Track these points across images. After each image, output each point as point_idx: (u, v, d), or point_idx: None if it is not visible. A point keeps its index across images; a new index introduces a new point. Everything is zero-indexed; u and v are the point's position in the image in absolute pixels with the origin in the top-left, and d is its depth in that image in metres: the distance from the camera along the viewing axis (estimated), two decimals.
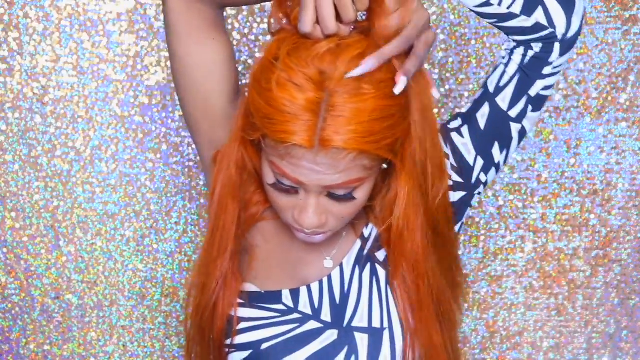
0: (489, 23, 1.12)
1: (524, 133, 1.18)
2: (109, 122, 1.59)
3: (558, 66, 1.12)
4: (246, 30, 1.56)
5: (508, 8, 1.09)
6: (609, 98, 1.63)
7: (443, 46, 1.59)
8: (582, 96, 1.63)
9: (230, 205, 1.16)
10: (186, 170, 1.63)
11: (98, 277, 1.67)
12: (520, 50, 1.12)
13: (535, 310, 1.77)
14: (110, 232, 1.65)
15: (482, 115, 1.15)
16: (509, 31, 1.12)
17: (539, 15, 1.09)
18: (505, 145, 1.17)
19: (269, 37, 1.57)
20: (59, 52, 1.55)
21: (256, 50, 1.57)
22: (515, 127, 1.16)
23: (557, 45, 1.10)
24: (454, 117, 1.19)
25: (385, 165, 1.08)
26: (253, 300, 1.17)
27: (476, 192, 1.21)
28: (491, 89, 1.15)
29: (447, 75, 1.61)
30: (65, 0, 1.54)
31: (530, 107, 1.15)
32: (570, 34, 1.10)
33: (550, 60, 1.11)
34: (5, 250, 1.64)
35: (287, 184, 1.05)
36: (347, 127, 0.96)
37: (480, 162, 1.18)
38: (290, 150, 0.99)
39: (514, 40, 1.12)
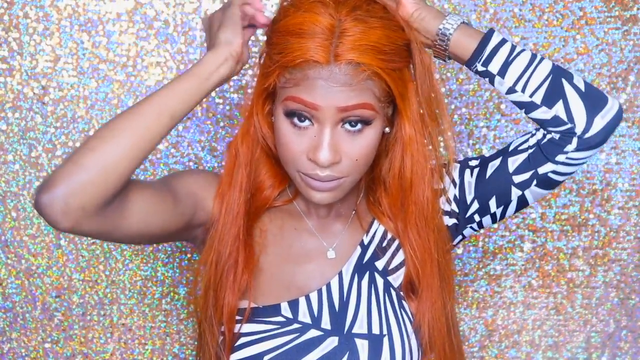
0: (524, 115, 1.17)
1: (525, 202, 1.21)
2: None
3: (574, 159, 1.14)
4: None
5: (530, 97, 1.13)
6: None
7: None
8: None
9: (240, 176, 1.20)
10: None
11: (99, 276, 1.68)
12: (542, 131, 1.16)
13: (534, 309, 1.77)
14: None
15: (492, 166, 1.20)
16: (536, 122, 1.16)
17: (559, 108, 1.12)
18: (502, 203, 1.21)
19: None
20: (59, 52, 1.55)
21: (256, 50, 1.57)
22: (515, 192, 1.19)
23: (575, 140, 1.13)
24: (476, 157, 1.24)
25: (388, 130, 1.16)
26: (252, 315, 1.18)
27: (469, 225, 1.25)
28: (511, 147, 1.19)
29: (448, 75, 1.61)
30: (65, 0, 1.54)
31: (535, 182, 1.17)
32: (590, 134, 1.12)
33: (565, 149, 1.13)
34: (6, 249, 1.64)
35: (302, 120, 1.09)
36: (359, 43, 1.05)
37: (475, 205, 1.22)
38: (307, 71, 1.07)
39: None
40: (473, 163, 1.23)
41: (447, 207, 1.23)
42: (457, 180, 1.23)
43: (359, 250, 1.24)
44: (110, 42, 1.56)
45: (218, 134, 1.62)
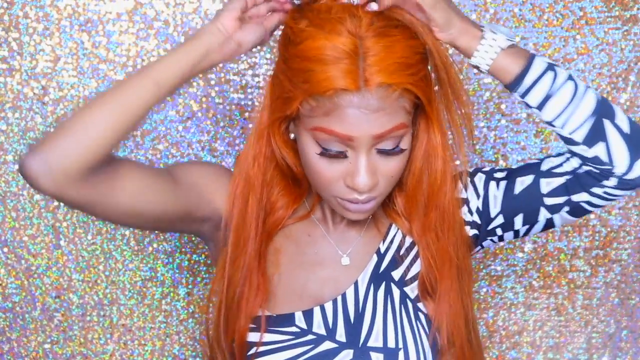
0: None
1: (552, 225, 1.17)
2: None
3: (612, 195, 1.10)
4: None
5: (570, 134, 1.08)
6: (610, 98, 1.63)
7: (444, 46, 1.59)
8: None
9: (250, 200, 1.17)
10: None
11: (99, 276, 1.68)
12: (578, 159, 1.11)
13: (534, 309, 1.77)
14: (111, 231, 1.65)
15: (522, 183, 1.15)
16: (573, 153, 1.10)
17: (599, 150, 1.07)
18: (528, 222, 1.17)
19: None
20: (59, 52, 1.55)
21: (255, 49, 1.57)
22: (544, 214, 1.15)
23: (614, 179, 1.08)
24: (502, 169, 1.19)
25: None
26: (266, 323, 1.16)
27: (489, 237, 1.22)
28: (544, 167, 1.14)
29: None
30: (65, 0, 1.54)
31: (566, 208, 1.13)
32: (631, 176, 1.07)
33: (603, 184, 1.09)
34: (5, 249, 1.64)
35: (334, 150, 1.06)
36: (386, 63, 1.01)
37: (500, 219, 1.18)
38: (336, 100, 1.02)
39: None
40: (499, 175, 1.18)
41: (468, 218, 1.20)
42: (481, 192, 1.18)
43: (375, 258, 1.21)
44: (110, 42, 1.56)
45: (218, 134, 1.62)
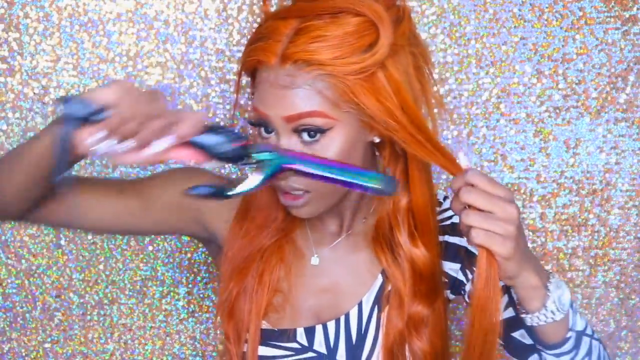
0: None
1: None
2: None
3: None
4: (246, 31, 1.57)
5: None
6: (609, 98, 1.63)
7: (443, 46, 1.59)
8: (582, 96, 1.63)
9: (241, 223, 1.18)
10: None
11: (99, 276, 1.68)
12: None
13: None
14: None
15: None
16: None
17: None
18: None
19: None
20: (59, 52, 1.55)
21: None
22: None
23: None
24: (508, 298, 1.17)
25: (376, 139, 1.06)
26: (266, 338, 1.15)
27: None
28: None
29: (447, 75, 1.61)
30: (65, 0, 1.54)
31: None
32: None
33: None
34: (6, 249, 1.65)
35: (263, 130, 1.05)
36: (310, 42, 0.96)
37: None
38: (259, 75, 1.01)
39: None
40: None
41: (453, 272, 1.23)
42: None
43: (380, 279, 1.18)
44: (110, 42, 1.56)
45: None
